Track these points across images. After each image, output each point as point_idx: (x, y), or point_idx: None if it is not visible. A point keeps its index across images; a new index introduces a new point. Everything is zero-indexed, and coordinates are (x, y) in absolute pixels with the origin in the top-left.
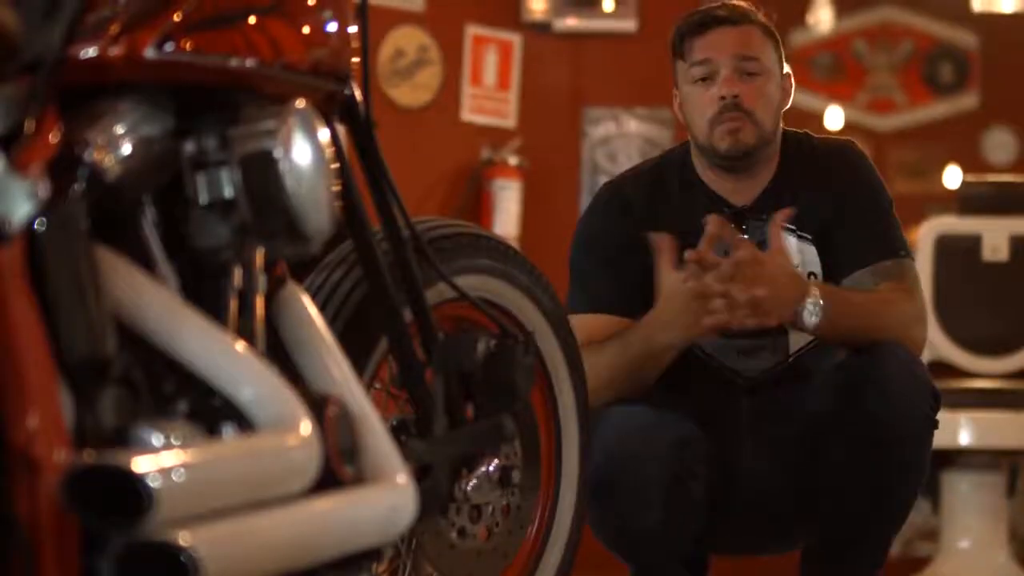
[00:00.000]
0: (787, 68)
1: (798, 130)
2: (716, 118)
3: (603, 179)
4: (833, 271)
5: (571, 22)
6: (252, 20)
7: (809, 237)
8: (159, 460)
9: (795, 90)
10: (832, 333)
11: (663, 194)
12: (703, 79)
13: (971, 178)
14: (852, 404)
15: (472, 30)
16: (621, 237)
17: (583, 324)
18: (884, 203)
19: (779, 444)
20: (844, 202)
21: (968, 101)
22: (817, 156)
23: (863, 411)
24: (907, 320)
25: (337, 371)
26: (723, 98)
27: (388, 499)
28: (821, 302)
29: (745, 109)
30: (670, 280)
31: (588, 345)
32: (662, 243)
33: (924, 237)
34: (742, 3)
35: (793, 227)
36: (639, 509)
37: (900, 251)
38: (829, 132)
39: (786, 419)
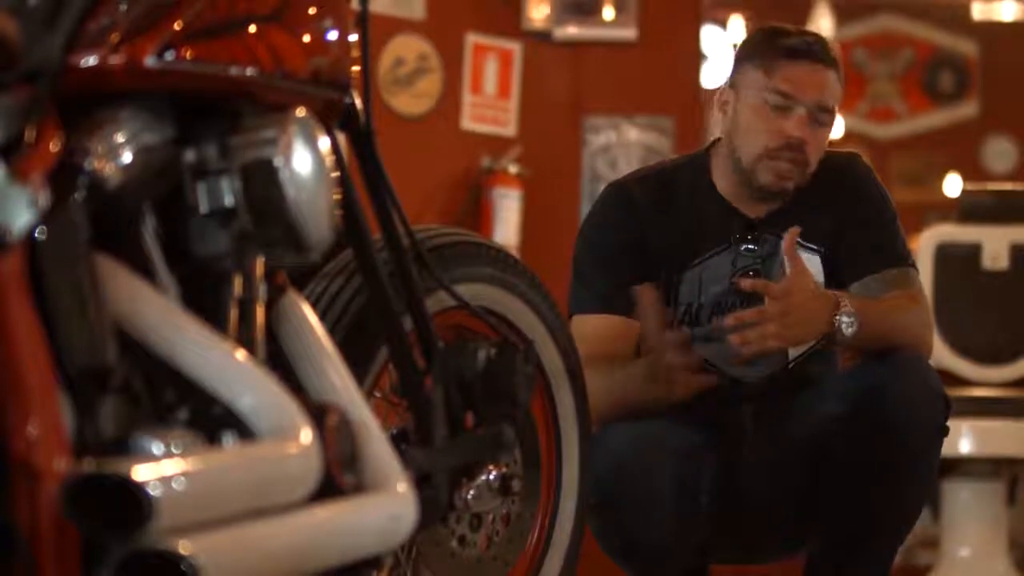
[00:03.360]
0: None
1: None
2: (773, 152)
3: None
4: (839, 280)
5: (571, 30)
6: (252, 29)
7: (815, 248)
8: (159, 469)
9: None
10: (864, 341)
11: (672, 197)
12: (777, 107)
13: (971, 186)
14: (866, 412)
15: (472, 38)
16: (626, 237)
17: (589, 325)
18: (889, 214)
19: (781, 451)
20: (850, 214)
21: (968, 110)
22: (825, 170)
23: (877, 419)
24: (919, 326)
25: (337, 380)
26: (790, 138)
27: (388, 508)
28: (854, 310)
29: (805, 157)
30: (661, 340)
31: (597, 358)
32: (646, 296)
33: (924, 245)
34: (828, 41)
35: (799, 240)
36: (647, 522)
37: (905, 260)
38: (830, 142)
39: (788, 426)
